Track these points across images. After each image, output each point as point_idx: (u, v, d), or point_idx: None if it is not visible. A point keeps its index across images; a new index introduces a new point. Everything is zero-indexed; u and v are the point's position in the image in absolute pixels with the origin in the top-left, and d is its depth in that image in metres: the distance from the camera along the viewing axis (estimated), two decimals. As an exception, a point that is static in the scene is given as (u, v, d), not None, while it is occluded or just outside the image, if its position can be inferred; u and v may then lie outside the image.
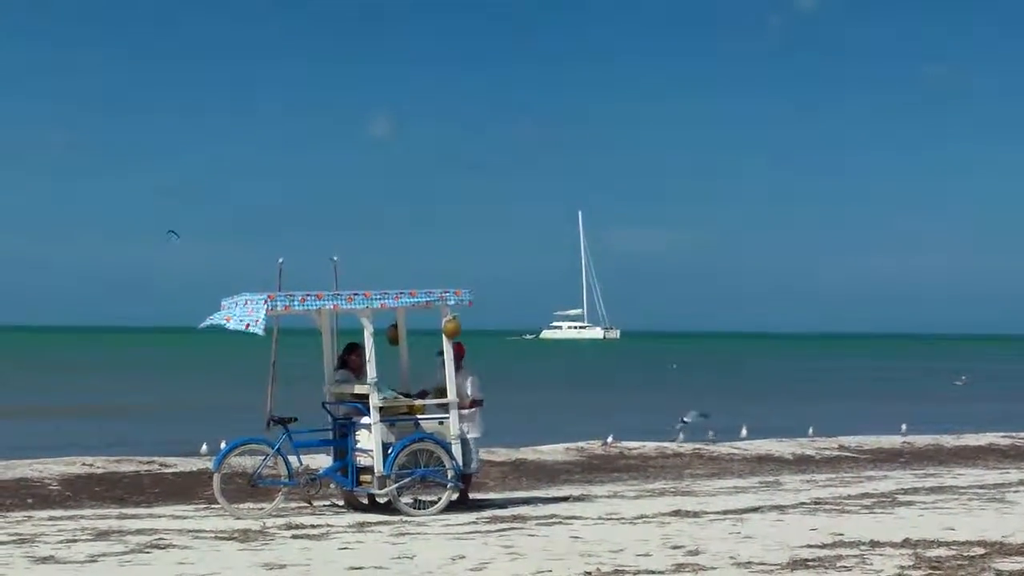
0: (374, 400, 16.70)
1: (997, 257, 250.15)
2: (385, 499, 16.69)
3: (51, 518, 16.56)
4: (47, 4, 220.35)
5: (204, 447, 23.95)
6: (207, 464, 19.95)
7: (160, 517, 16.64)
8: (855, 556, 12.35)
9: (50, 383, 54.82)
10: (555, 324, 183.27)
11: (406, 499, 16.67)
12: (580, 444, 26.60)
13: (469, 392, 17.23)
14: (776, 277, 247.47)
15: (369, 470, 16.78)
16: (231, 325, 16.77)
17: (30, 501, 18.80)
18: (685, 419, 31.12)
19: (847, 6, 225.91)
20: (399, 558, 12.57)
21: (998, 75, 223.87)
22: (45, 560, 12.54)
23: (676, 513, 16.25)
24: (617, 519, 15.82)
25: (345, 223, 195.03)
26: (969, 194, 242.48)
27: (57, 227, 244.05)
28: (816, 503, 17.53)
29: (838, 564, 11.87)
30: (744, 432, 29.65)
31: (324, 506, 17.41)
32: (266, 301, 16.51)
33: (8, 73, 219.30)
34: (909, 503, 17.43)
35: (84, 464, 22.03)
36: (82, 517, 16.67)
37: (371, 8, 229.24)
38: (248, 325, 16.49)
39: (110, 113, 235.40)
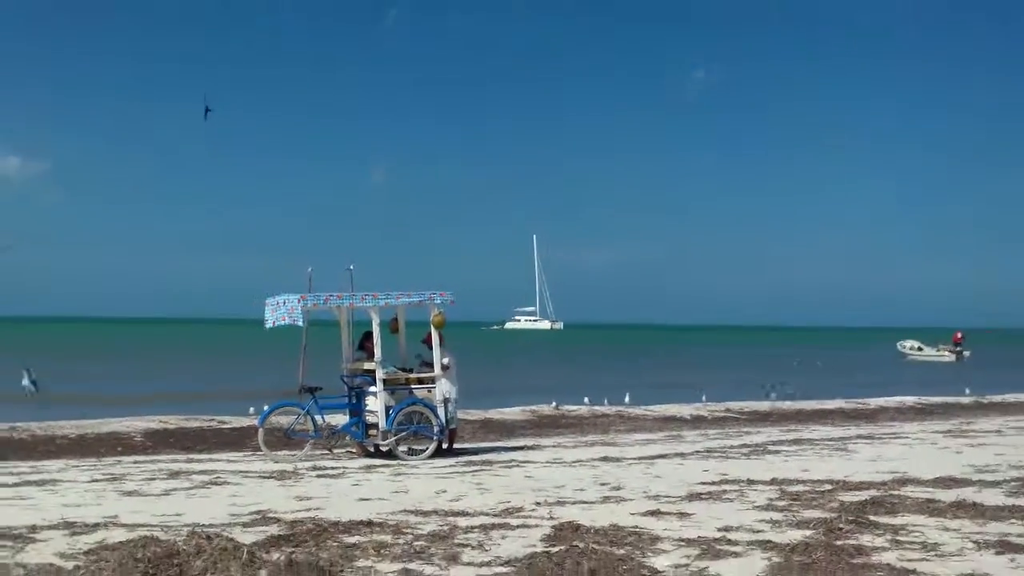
0: (379, 374, 16.73)
1: (859, 264, 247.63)
2: (387, 448, 16.70)
3: (135, 462, 16.51)
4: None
5: (251, 409, 23.84)
6: (254, 421, 19.92)
7: (218, 461, 16.61)
8: (736, 490, 12.41)
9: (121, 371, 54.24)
10: (515, 318, 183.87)
11: (402, 448, 16.69)
12: (533, 407, 26.64)
13: (445, 361, 17.26)
14: (689, 282, 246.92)
15: (375, 426, 16.81)
16: (284, 322, 16.78)
17: (119, 449, 18.74)
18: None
19: (780, 63, 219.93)
20: (397, 492, 12.57)
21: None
22: (131, 494, 12.51)
23: (604, 459, 16.31)
24: (560, 463, 15.86)
25: (359, 244, 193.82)
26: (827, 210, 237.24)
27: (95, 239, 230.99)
28: (708, 451, 17.61)
29: (723, 496, 11.92)
30: (627, 399, 29.30)
31: (341, 453, 17.41)
32: (300, 300, 16.53)
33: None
34: (776, 451, 17.51)
35: (161, 421, 21.96)
36: (159, 461, 16.63)
37: (356, 68, 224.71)
38: (294, 321, 16.59)
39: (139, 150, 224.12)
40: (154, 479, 13.86)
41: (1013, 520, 10.07)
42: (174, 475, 14.30)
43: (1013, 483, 12.86)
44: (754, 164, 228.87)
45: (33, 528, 9.73)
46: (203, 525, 9.77)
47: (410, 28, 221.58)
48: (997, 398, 33.48)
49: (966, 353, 73.15)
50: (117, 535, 9.26)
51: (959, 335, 75.42)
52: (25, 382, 33.43)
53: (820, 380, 45.72)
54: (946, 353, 74.14)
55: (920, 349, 77.79)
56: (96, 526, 9.88)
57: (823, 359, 70.72)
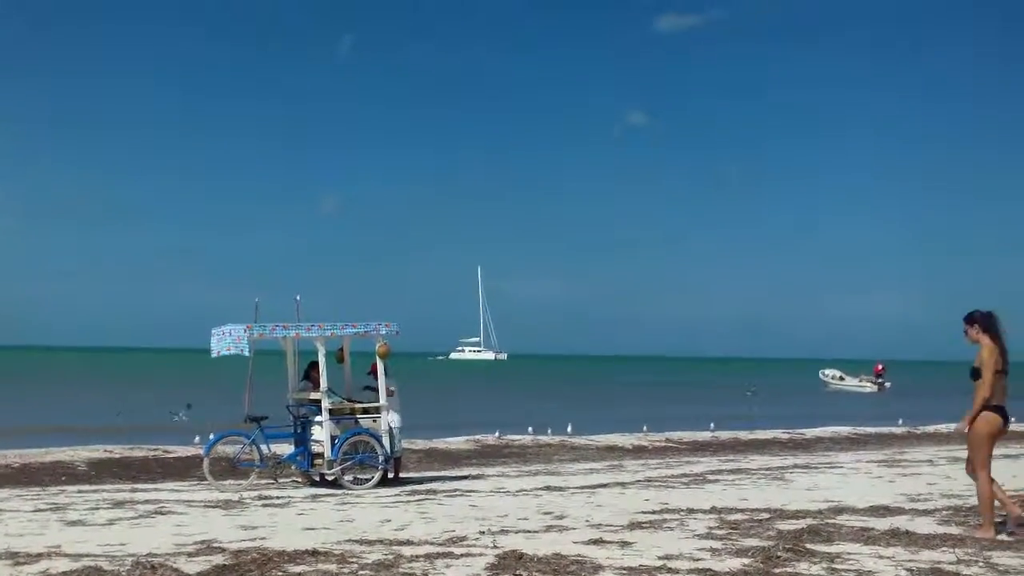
0: (325, 404, 16.60)
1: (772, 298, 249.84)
2: (332, 477, 16.55)
3: (80, 491, 16.22)
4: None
5: (197, 438, 23.56)
6: (199, 451, 19.67)
7: (163, 490, 16.36)
8: (676, 519, 12.40)
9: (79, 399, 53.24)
10: (459, 348, 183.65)
11: (348, 477, 16.54)
12: (476, 437, 26.57)
13: (392, 388, 17.27)
14: (622, 313, 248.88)
15: (321, 456, 16.66)
16: (230, 352, 16.59)
17: (63, 478, 18.42)
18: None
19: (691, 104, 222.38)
20: (342, 521, 12.45)
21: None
22: (74, 523, 12.28)
23: (547, 488, 16.26)
24: (504, 492, 15.80)
25: (306, 275, 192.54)
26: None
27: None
28: (649, 481, 17.60)
29: (664, 525, 11.90)
30: (570, 428, 29.24)
31: (287, 482, 17.22)
32: (246, 330, 16.37)
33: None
34: (715, 480, 17.54)
35: (106, 450, 21.63)
36: (103, 490, 16.36)
37: (305, 98, 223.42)
38: (241, 350, 16.41)
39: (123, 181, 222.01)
40: (98, 509, 13.60)
41: (944, 548, 10.16)
42: (118, 505, 14.05)
43: (944, 512, 12.98)
44: (688, 202, 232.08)
45: (-25, 559, 9.51)
46: (147, 555, 9.60)
47: (360, 59, 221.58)
48: (929, 428, 33.90)
49: (887, 384, 74.12)
50: (61, 565, 9.08)
51: (880, 366, 76.40)
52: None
53: (755, 408, 46.04)
54: (867, 384, 75.06)
55: (842, 379, 78.71)
56: (39, 556, 9.68)
57: (755, 387, 71.26)
